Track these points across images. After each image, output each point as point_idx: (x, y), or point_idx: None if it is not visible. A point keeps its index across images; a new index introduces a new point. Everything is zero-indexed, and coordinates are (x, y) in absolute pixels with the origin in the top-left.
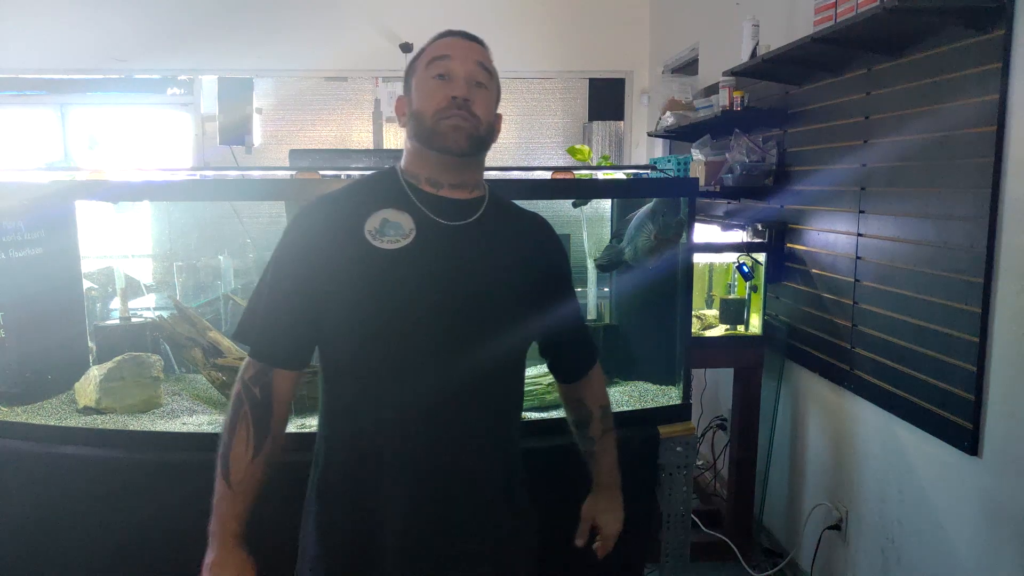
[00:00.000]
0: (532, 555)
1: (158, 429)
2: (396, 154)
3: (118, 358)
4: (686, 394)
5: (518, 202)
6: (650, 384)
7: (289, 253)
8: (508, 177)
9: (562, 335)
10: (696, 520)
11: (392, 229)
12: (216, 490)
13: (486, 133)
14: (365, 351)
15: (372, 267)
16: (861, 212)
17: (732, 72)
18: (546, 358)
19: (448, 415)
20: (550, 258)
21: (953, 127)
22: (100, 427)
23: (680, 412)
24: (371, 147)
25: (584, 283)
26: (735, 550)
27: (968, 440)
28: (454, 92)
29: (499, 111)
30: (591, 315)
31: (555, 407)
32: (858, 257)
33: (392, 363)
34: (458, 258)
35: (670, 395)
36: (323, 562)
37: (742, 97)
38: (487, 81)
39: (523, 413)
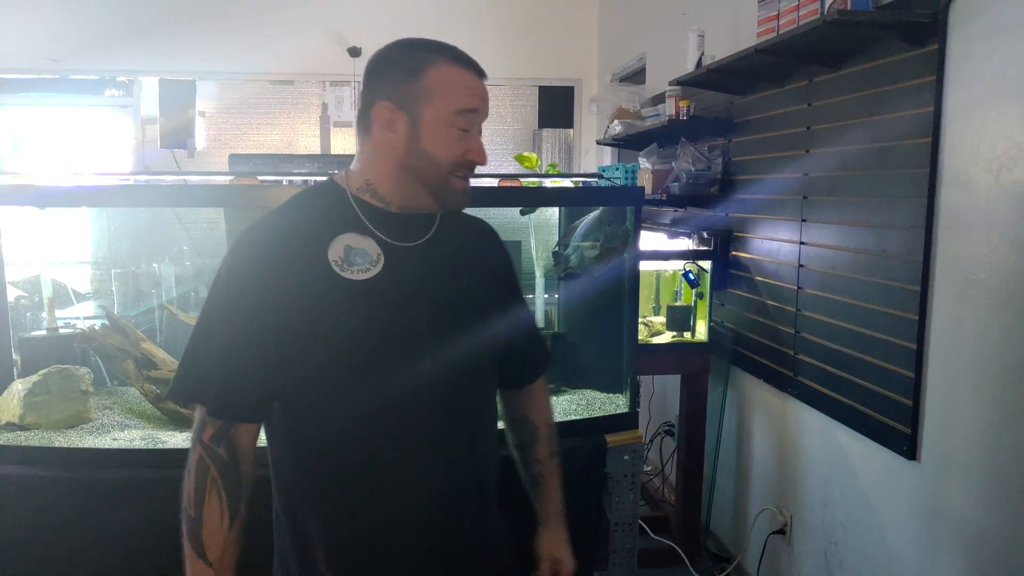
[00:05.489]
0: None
1: (86, 445)
2: (343, 160)
3: (44, 371)
4: (633, 402)
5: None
6: (598, 392)
7: (241, 292)
8: None
9: (515, 337)
10: (644, 526)
11: (359, 257)
12: (190, 570)
13: None
14: (346, 384)
15: (344, 299)
16: (803, 220)
17: (678, 81)
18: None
19: (431, 432)
20: (502, 262)
21: (891, 138)
22: (24, 444)
23: (627, 420)
24: (319, 151)
25: (532, 291)
26: (683, 556)
27: (906, 444)
28: (475, 156)
29: None
30: (539, 324)
31: None
32: (800, 265)
33: (374, 390)
34: (426, 280)
35: (617, 403)
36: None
37: (688, 106)
38: None
39: None
